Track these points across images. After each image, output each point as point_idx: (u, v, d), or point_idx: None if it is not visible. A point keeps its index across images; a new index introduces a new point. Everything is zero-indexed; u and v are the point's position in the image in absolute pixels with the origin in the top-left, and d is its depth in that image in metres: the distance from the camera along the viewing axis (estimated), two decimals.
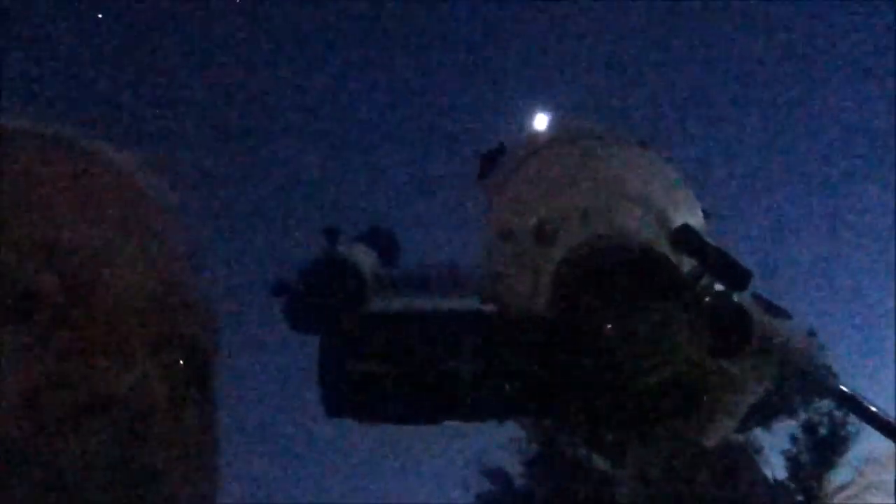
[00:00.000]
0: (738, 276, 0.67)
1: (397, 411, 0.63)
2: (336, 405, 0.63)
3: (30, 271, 0.46)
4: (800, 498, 11.54)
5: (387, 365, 0.62)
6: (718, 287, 0.69)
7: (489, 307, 0.66)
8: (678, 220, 0.73)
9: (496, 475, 12.28)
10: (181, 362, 0.49)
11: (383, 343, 0.63)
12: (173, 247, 0.52)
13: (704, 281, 0.69)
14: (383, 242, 0.74)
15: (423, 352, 0.62)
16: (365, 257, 0.69)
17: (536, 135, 0.82)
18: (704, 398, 0.65)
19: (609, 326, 0.61)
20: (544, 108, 0.84)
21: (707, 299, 0.67)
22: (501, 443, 11.83)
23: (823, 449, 12.26)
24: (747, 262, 0.70)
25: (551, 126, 0.83)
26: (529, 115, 0.83)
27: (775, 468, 11.49)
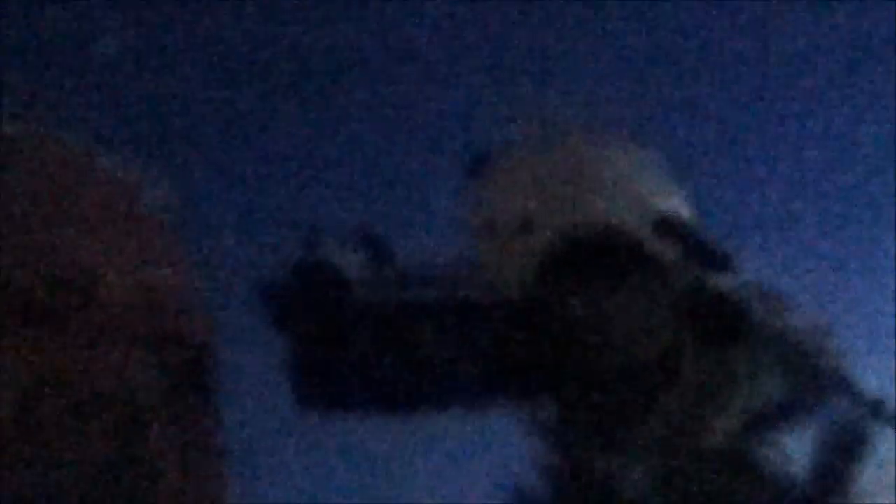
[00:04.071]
0: (717, 261, 0.68)
1: (372, 402, 0.64)
2: (308, 398, 0.64)
3: (26, 273, 0.46)
4: (813, 497, 11.38)
5: (359, 356, 0.63)
6: (707, 274, 0.70)
7: (468, 297, 0.67)
8: (661, 208, 0.74)
9: (515, 486, 12.21)
10: (178, 361, 0.50)
11: (355, 336, 0.64)
12: (167, 247, 0.53)
13: (691, 267, 0.70)
14: (372, 243, 0.75)
15: (396, 342, 0.64)
16: (349, 258, 0.70)
17: (522, 129, 0.83)
18: (683, 380, 0.66)
19: (578, 310, 0.63)
20: (532, 106, 0.85)
21: (682, 283, 0.68)
22: (521, 454, 11.74)
23: (847, 447, 12.10)
24: (745, 256, 0.71)
25: (536, 122, 0.84)
26: (517, 112, 0.84)
27: (797, 468, 11.34)
